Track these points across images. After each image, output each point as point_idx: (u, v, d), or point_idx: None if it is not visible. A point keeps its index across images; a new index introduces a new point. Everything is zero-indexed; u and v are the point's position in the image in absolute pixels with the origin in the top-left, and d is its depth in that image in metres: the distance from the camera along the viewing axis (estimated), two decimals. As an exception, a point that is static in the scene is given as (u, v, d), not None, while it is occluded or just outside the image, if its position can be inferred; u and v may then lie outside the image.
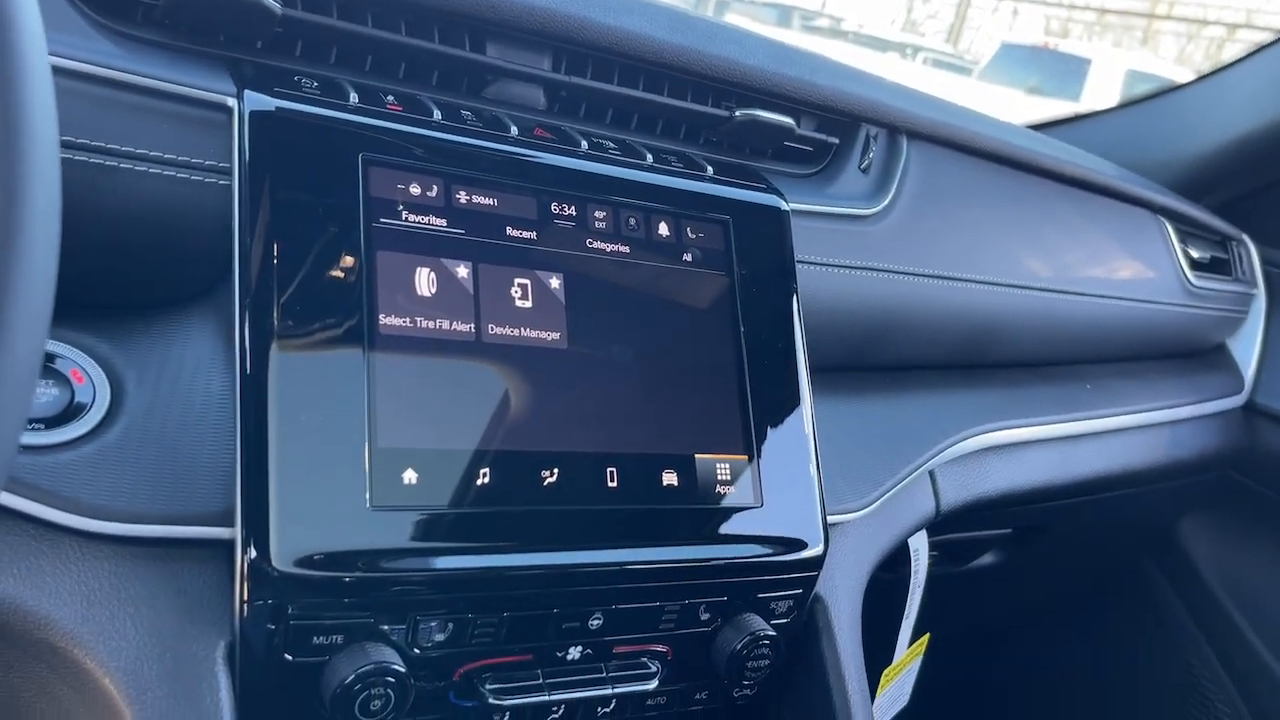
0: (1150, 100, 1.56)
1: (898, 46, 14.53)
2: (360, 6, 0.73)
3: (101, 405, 0.62)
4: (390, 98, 0.71)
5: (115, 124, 0.63)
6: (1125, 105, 1.62)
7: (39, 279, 0.37)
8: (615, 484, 0.71)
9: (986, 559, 1.28)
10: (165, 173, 0.64)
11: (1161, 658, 1.51)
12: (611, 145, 0.79)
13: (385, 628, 0.63)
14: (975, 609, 1.47)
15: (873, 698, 1.01)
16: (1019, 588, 1.45)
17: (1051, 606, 1.57)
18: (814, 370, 0.83)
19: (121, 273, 0.66)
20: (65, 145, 0.61)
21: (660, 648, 0.75)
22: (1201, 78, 1.49)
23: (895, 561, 1.06)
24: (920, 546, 1.04)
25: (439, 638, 0.65)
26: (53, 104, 0.40)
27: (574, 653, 0.71)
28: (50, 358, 0.62)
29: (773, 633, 0.77)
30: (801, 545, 0.78)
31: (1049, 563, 1.40)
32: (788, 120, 0.90)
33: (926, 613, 1.15)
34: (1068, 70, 10.17)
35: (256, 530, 0.59)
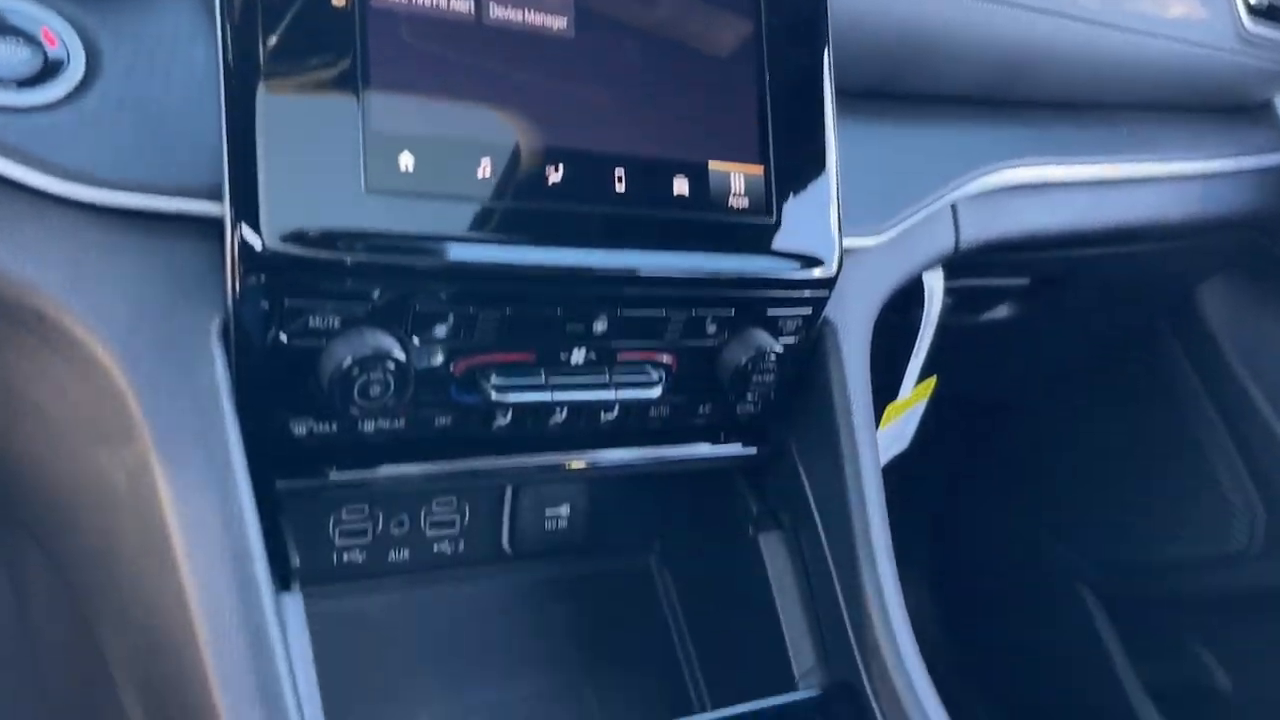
0: None
1: None
2: None
3: (77, 67, 0.58)
4: None
5: None
6: None
7: None
8: (623, 187, 0.68)
9: (1000, 311, 1.26)
10: None
11: (1167, 423, 1.51)
12: None
13: (384, 315, 0.61)
14: (984, 366, 1.47)
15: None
16: (1030, 346, 1.44)
17: (1061, 369, 1.56)
18: (840, 94, 0.78)
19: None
20: None
21: (665, 357, 0.74)
22: None
23: (909, 304, 1.04)
24: (936, 285, 1.01)
25: (439, 329, 0.64)
26: None
27: (578, 356, 0.70)
28: (13, 15, 0.57)
29: (779, 349, 0.75)
30: (814, 264, 0.75)
31: (1063, 321, 1.38)
32: None
33: (938, 368, 1.14)
34: None
35: (246, 206, 0.56)
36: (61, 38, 0.58)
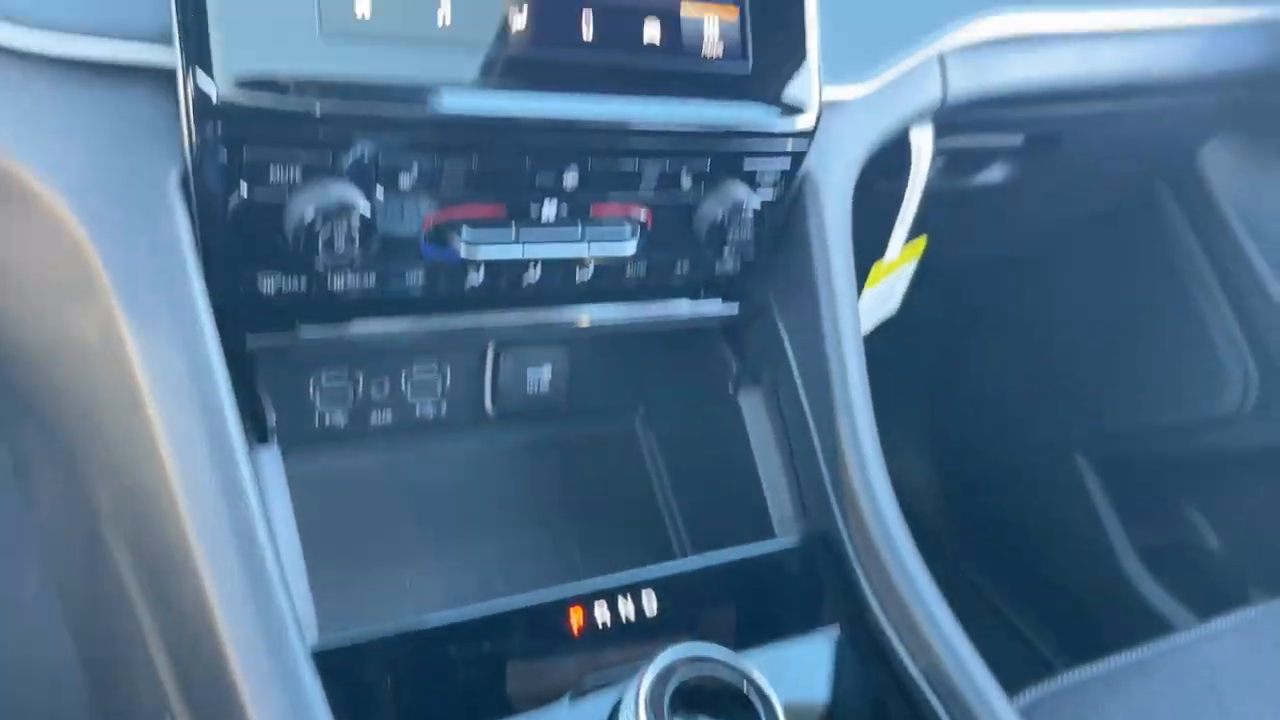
0: None
1: None
2: None
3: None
4: None
5: None
6: None
7: None
8: (590, 32, 0.66)
9: (994, 173, 1.23)
10: None
11: (1163, 286, 1.50)
12: None
13: (347, 167, 0.60)
14: (978, 232, 1.45)
15: (860, 290, 1.02)
16: (1025, 210, 1.42)
17: (1057, 233, 1.54)
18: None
19: None
20: None
21: (640, 213, 0.73)
22: None
23: (898, 169, 1.02)
24: (923, 143, 0.99)
25: (404, 181, 0.63)
26: None
27: (549, 210, 0.69)
28: None
29: (757, 204, 0.74)
30: (792, 113, 0.74)
31: (1059, 182, 1.36)
32: None
33: (930, 234, 1.13)
34: None
35: (198, 52, 0.55)
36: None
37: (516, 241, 0.68)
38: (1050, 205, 1.43)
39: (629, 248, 0.72)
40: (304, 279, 0.65)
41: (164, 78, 0.58)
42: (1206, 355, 1.45)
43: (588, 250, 0.71)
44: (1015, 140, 1.18)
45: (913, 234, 1.10)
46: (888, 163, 0.94)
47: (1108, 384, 1.59)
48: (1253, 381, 1.40)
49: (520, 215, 0.68)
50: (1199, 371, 1.46)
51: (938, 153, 1.06)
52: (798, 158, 0.77)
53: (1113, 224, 1.50)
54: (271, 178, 0.59)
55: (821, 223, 0.81)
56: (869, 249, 1.05)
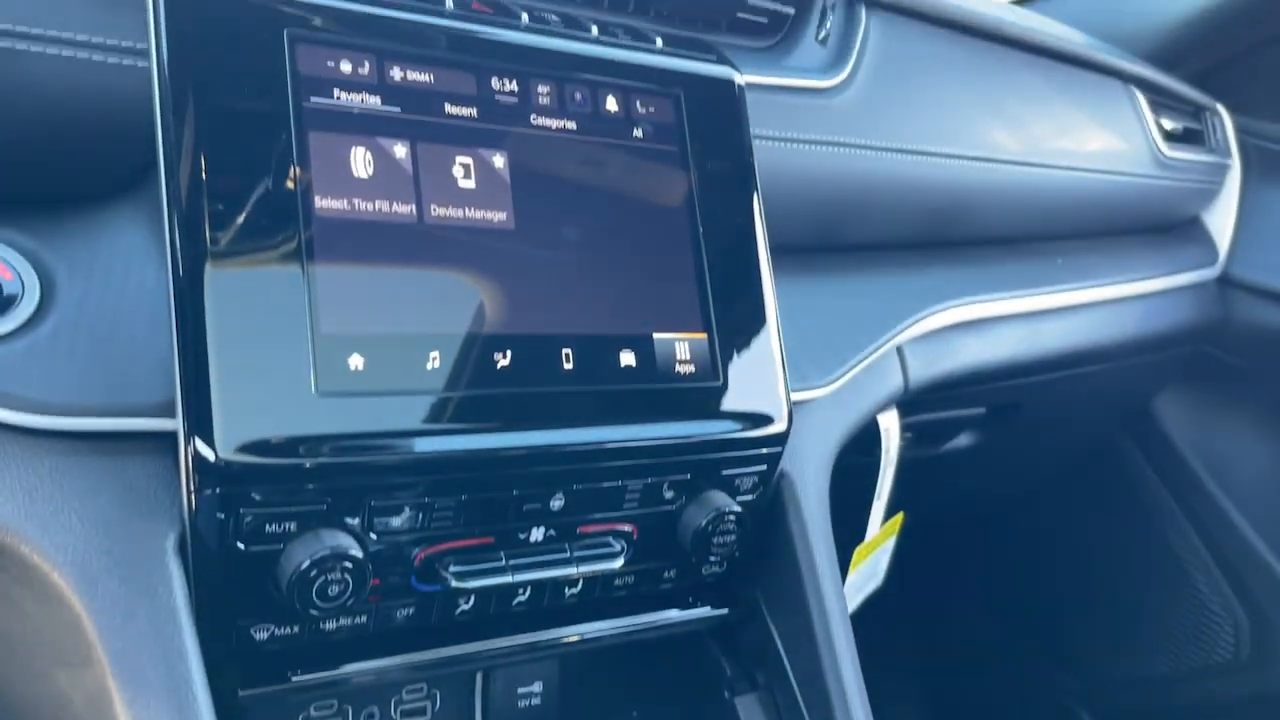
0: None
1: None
2: None
3: (31, 300, 0.60)
4: None
5: (19, 4, 0.60)
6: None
7: None
8: (571, 365, 0.70)
9: (962, 440, 1.28)
10: (79, 55, 0.61)
11: (1140, 534, 1.52)
12: (554, 18, 0.76)
13: (339, 514, 0.62)
14: (953, 493, 1.48)
15: (844, 576, 1.02)
16: (996, 469, 1.46)
17: (1030, 487, 1.58)
18: (778, 251, 0.81)
19: (44, 164, 0.63)
20: (-30, 29, 0.58)
21: (625, 527, 0.75)
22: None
23: (869, 445, 1.06)
24: (891, 425, 1.03)
25: (396, 522, 0.65)
26: None
27: (537, 534, 0.71)
28: (-27, 254, 0.60)
29: (738, 509, 0.76)
30: (765, 421, 0.77)
31: (1025, 442, 1.40)
32: (739, -11, 0.87)
33: (904, 498, 1.15)
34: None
35: (199, 419, 0.57)
36: (17, 271, 0.60)
37: (506, 569, 0.69)
38: (1019, 463, 1.47)
39: (617, 563, 0.73)
40: (297, 625, 0.65)
41: (161, 440, 0.60)
42: (1193, 603, 1.45)
43: (577, 569, 0.72)
44: (978, 410, 1.23)
45: (889, 506, 1.12)
46: (857, 441, 0.98)
47: (1099, 635, 1.58)
48: (1243, 628, 1.40)
49: (509, 542, 0.70)
50: (1188, 620, 1.45)
51: (905, 428, 1.10)
52: (773, 460, 0.79)
53: (1083, 476, 1.54)
54: (267, 530, 0.60)
55: (801, 520, 0.83)
56: (847, 527, 1.07)
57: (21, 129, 0.61)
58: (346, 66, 0.66)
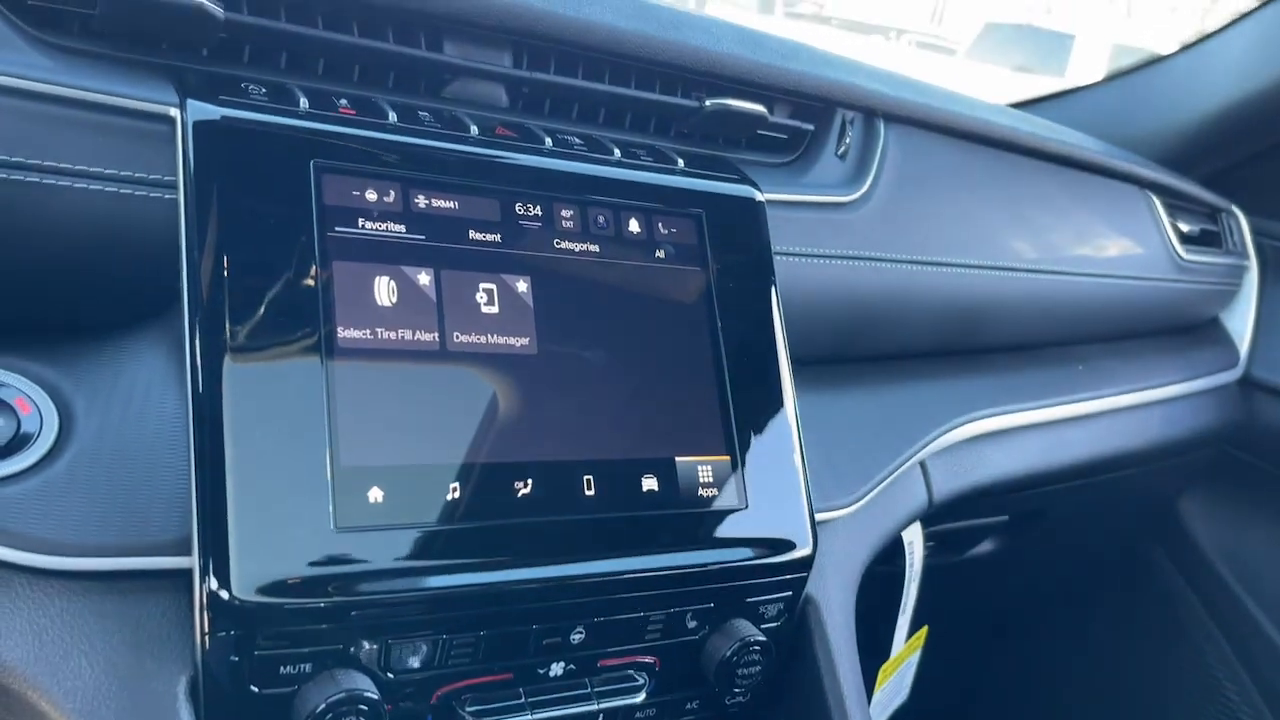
0: (1134, 73, 1.53)
1: (881, 29, 14.49)
2: (309, 7, 0.70)
3: (49, 434, 0.59)
4: (343, 101, 0.69)
5: (55, 140, 0.60)
6: (1110, 79, 1.59)
7: None
8: (593, 492, 0.68)
9: (984, 547, 1.25)
10: (108, 189, 0.61)
11: (1169, 640, 1.49)
12: (577, 141, 0.77)
13: (356, 653, 0.60)
14: (975, 599, 1.45)
15: (870, 694, 0.99)
16: (1019, 576, 1.43)
17: (1054, 593, 1.54)
18: (797, 364, 0.81)
19: (67, 294, 0.63)
20: (2, 165, 0.58)
21: (647, 659, 0.73)
22: (1185, 48, 1.47)
23: (890, 554, 1.04)
24: (914, 538, 1.01)
25: (413, 660, 0.63)
26: None
27: (556, 669, 0.69)
28: (-6, 387, 0.60)
29: (763, 638, 0.74)
30: (789, 546, 0.76)
31: (1049, 548, 1.38)
32: (759, 108, 0.87)
33: (925, 604, 1.13)
34: (1053, 46, 10.17)
35: (215, 558, 0.56)
36: (35, 405, 0.60)
37: (525, 706, 0.67)
38: (1043, 569, 1.44)
39: (638, 697, 0.71)
40: (309, 768, 0.63)
41: (178, 582, 0.59)
42: (1223, 712, 1.41)
43: (598, 705, 0.70)
44: (1000, 518, 1.21)
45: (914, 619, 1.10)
46: (879, 551, 0.96)
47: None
48: (1280, 745, 1.36)
49: (527, 678, 0.68)
50: (1221, 731, 1.41)
51: (927, 536, 1.08)
52: (799, 585, 0.78)
53: (1108, 581, 1.51)
54: (282, 672, 0.59)
55: (827, 645, 0.81)
56: (870, 640, 1.04)
57: (49, 260, 0.61)
58: (372, 195, 0.66)
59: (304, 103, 0.66)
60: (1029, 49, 10.20)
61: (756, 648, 0.74)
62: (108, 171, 0.61)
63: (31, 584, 0.57)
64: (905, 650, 1.07)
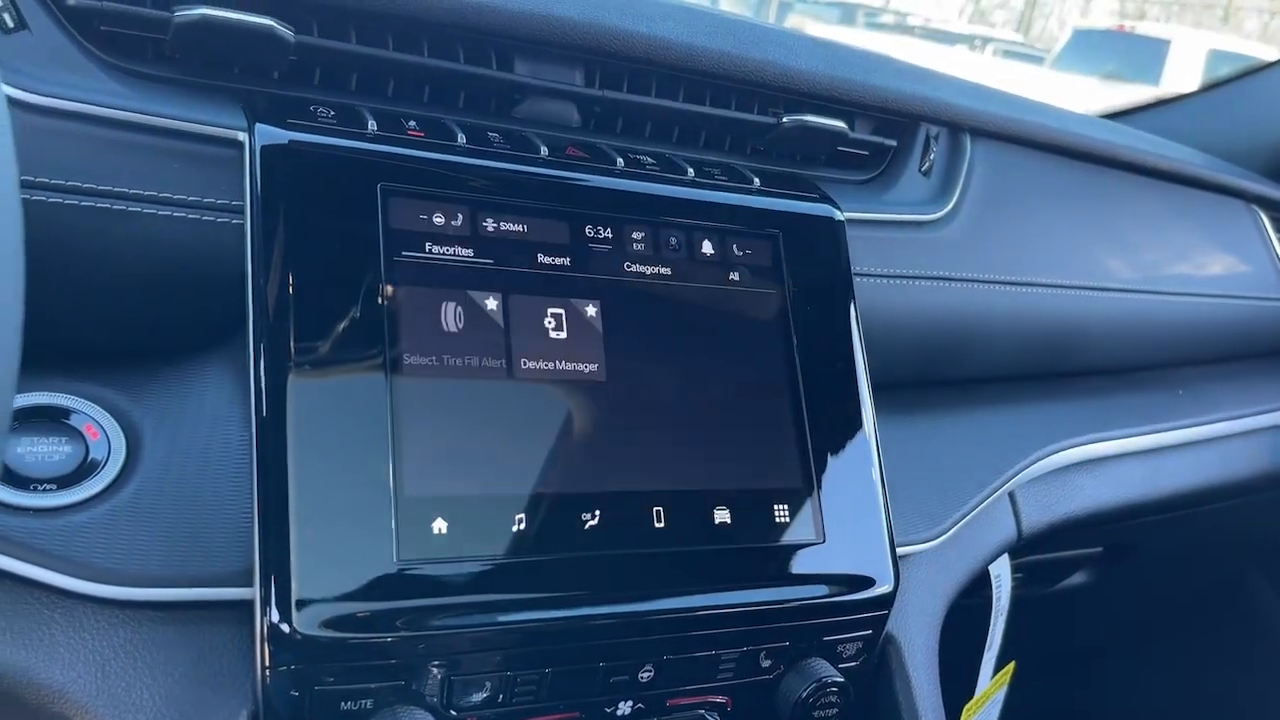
0: (1235, 81, 1.46)
1: (966, 39, 14.24)
2: (379, 29, 0.69)
3: (116, 462, 0.59)
4: (412, 123, 0.68)
5: (126, 166, 0.60)
6: (1208, 88, 1.52)
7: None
8: (663, 524, 0.66)
9: (1075, 579, 1.20)
10: (178, 214, 0.61)
11: (1273, 675, 1.40)
12: (649, 161, 0.75)
13: (418, 689, 0.59)
14: (1064, 633, 1.39)
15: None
16: (1112, 608, 1.36)
17: (1149, 627, 1.47)
18: (876, 389, 0.77)
19: (137, 320, 0.63)
20: (73, 190, 0.59)
21: (719, 698, 0.70)
22: (1291, 54, 1.39)
23: (975, 585, 0.99)
24: (1002, 571, 0.97)
25: (477, 698, 0.61)
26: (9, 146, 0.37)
27: (624, 708, 0.66)
28: (65, 413, 0.60)
29: (840, 678, 0.71)
30: (869, 583, 0.72)
31: (1145, 580, 1.31)
32: (840, 124, 0.84)
33: (1011, 638, 1.08)
34: (1146, 54, 9.85)
35: (277, 591, 0.55)
36: (105, 432, 0.59)
37: (592, 749, 0.65)
38: (1137, 603, 1.37)
39: (709, 739, 0.68)
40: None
41: (240, 614, 0.58)
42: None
43: (666, 748, 0.67)
44: (1094, 550, 1.15)
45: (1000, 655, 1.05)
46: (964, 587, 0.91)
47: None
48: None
49: (593, 718, 0.65)
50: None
51: (1015, 568, 1.03)
52: (879, 624, 0.74)
53: (1208, 615, 1.43)
54: (343, 708, 0.57)
55: (909, 688, 0.77)
56: (953, 677, 0.99)
57: (120, 286, 0.61)
58: (440, 219, 0.65)
59: (372, 125, 0.65)
60: (1120, 56, 9.90)
61: (834, 689, 0.71)
62: (177, 197, 0.61)
63: (96, 614, 0.56)
64: (991, 688, 1.02)
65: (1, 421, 0.35)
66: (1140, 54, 9.91)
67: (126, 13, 0.62)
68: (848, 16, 13.94)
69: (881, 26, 14.36)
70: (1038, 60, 12.36)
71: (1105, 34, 11.15)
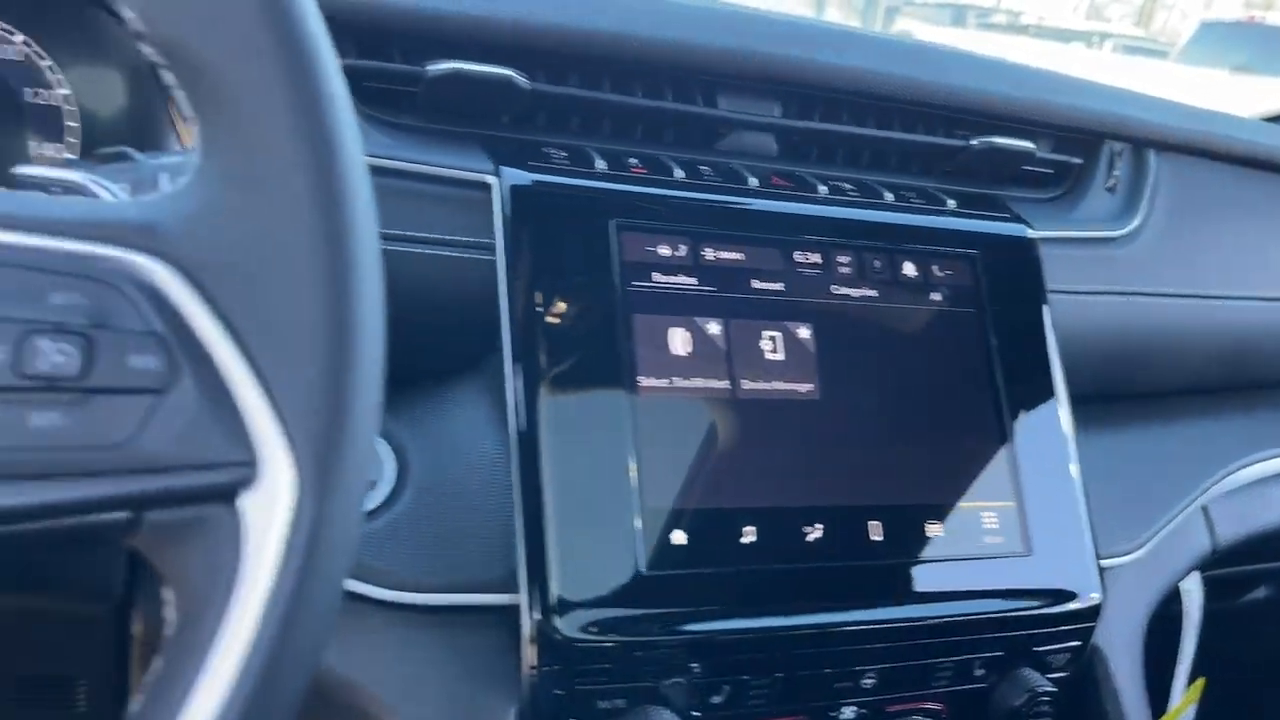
0: None
1: (1082, 35, 13.82)
2: (597, 73, 0.74)
3: (390, 478, 0.65)
4: (633, 160, 0.72)
5: (389, 210, 0.66)
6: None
7: (376, 374, 0.39)
8: (880, 537, 0.69)
9: (1260, 593, 1.17)
10: (432, 252, 0.67)
11: None
12: (850, 187, 0.78)
13: (665, 691, 0.63)
14: (1253, 647, 1.35)
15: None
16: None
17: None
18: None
19: (399, 348, 0.69)
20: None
21: (934, 705, 0.72)
22: None
23: (1163, 599, 0.99)
24: (1193, 585, 0.96)
25: (716, 699, 0.65)
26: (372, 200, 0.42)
27: (848, 712, 0.69)
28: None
29: (1052, 689, 0.73)
30: (1076, 595, 0.74)
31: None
32: (1028, 145, 0.86)
33: (1198, 653, 1.07)
34: (1279, 45, 9.41)
35: (543, 596, 0.60)
36: (379, 450, 0.65)
37: (818, 752, 0.68)
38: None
39: (927, 745, 0.71)
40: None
41: (499, 619, 0.63)
42: None
43: (887, 753, 0.70)
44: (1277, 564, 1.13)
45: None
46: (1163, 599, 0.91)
47: None
48: None
49: (819, 720, 0.69)
50: None
51: (1204, 581, 1.03)
52: (1086, 635, 0.76)
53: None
54: (599, 707, 0.62)
55: (1116, 696, 0.78)
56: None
57: (401, 317, 0.67)
58: (665, 250, 0.69)
59: (600, 165, 0.70)
60: (1252, 48, 9.49)
61: (1046, 698, 0.72)
62: (434, 236, 0.67)
63: (385, 617, 0.62)
64: (1183, 703, 1.01)
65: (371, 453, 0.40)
66: (1273, 45, 9.47)
67: (386, 69, 0.68)
68: (959, 18, 13.68)
69: (994, 26, 14.04)
70: (1161, 55, 11.93)
71: (1234, 25, 10.70)
